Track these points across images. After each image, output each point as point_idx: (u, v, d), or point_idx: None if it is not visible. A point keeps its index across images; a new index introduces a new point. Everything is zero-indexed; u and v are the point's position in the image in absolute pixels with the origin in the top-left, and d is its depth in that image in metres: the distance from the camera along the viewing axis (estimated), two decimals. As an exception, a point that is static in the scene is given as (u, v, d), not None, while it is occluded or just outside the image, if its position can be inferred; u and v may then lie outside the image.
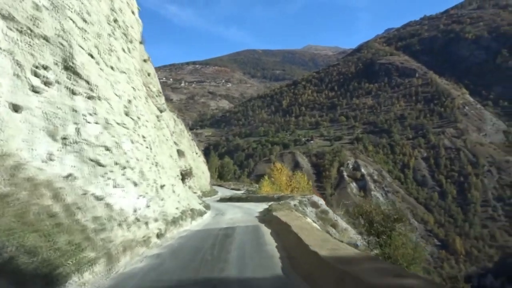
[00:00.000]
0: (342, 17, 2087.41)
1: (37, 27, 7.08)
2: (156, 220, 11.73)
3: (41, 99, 7.00)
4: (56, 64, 7.67)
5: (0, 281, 4.30)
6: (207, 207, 24.52)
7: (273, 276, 6.85)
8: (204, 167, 68.18)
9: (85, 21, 9.42)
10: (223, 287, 6.43)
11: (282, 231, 11.66)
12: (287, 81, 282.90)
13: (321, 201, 27.52)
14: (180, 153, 24.65)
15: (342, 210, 25.98)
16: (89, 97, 8.76)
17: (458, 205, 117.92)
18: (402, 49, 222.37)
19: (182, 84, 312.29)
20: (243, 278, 6.80)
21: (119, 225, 8.53)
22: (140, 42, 18.79)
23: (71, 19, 8.58)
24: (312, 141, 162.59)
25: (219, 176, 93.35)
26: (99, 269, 6.54)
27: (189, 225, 15.92)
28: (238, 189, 65.76)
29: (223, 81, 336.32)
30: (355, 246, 13.57)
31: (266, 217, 17.21)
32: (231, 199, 38.85)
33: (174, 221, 13.65)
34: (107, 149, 9.04)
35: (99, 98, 9.19)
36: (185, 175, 21.89)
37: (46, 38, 7.34)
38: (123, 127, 10.60)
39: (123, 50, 13.11)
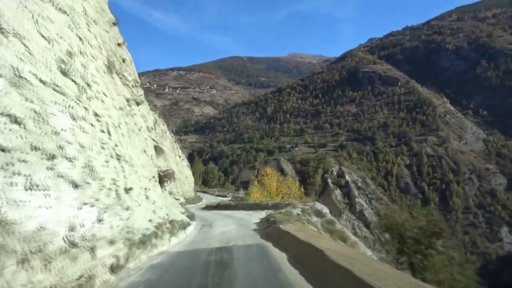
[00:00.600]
0: (326, 26, 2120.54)
1: None
2: (112, 242, 8.02)
3: None
4: None
5: None
6: (192, 217, 20.00)
7: None
8: (188, 171, 65.03)
9: None
10: None
11: (308, 258, 8.15)
12: (272, 88, 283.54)
13: (325, 210, 24.85)
14: (159, 150, 19.52)
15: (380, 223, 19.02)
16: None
17: (441, 212, 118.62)
18: (385, 58, 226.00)
19: (166, 90, 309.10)
20: None
21: (22, 262, 4.91)
22: (114, 23, 16.93)
23: None
24: (296, 148, 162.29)
25: (203, 182, 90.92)
26: None
27: (166, 244, 12.00)
28: (224, 196, 63.05)
29: (208, 87, 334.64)
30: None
31: (270, 231, 14.04)
32: (218, 207, 35.17)
33: (144, 241, 9.95)
34: (16, 121, 5.43)
35: (2, 30, 5.63)
36: (164, 178, 16.97)
37: None
38: (55, 90, 6.88)
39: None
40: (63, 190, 6.42)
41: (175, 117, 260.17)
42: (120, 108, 12.14)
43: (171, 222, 14.08)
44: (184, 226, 15.58)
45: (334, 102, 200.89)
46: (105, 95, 10.09)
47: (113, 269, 7.44)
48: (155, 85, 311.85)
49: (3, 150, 5.07)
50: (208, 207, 36.74)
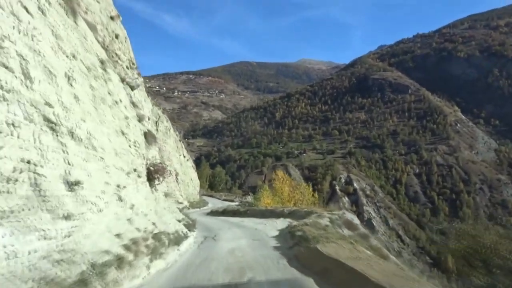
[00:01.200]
0: (336, 33, 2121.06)
1: None
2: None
3: None
4: None
5: None
6: (192, 225, 16.12)
7: None
8: (193, 173, 61.75)
9: None
10: None
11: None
12: (281, 93, 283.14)
13: (356, 220, 21.46)
14: (150, 137, 14.79)
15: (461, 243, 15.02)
16: None
17: (450, 222, 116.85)
18: (395, 66, 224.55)
19: (175, 94, 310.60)
20: None
21: None
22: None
23: None
24: (304, 154, 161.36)
25: (210, 186, 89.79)
26: None
27: (142, 273, 7.73)
28: (232, 200, 59.83)
29: (217, 91, 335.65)
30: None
31: (302, 254, 9.93)
32: (225, 213, 31.21)
33: (96, 275, 6.00)
34: None
35: None
36: (154, 173, 12.92)
37: None
38: None
39: None
40: None
41: (184, 120, 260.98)
42: (87, 67, 8.95)
43: (156, 236, 10.10)
44: (178, 240, 11.72)
45: (343, 109, 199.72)
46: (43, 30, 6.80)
47: None
48: (164, 88, 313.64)
49: None
50: (214, 213, 33.32)
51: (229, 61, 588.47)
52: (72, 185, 6.32)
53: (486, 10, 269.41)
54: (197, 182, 64.57)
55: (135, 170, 10.93)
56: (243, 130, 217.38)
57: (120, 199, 8.93)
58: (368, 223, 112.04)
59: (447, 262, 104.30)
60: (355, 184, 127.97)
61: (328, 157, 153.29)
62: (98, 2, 13.19)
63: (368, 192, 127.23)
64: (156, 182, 13.53)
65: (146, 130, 14.49)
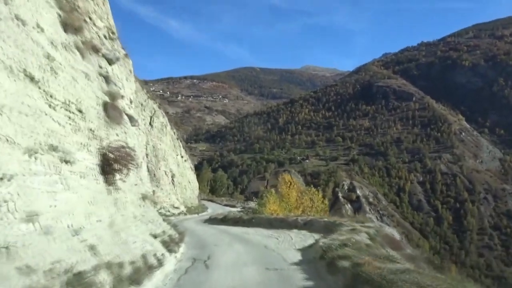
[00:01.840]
0: (340, 40, 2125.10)
1: None
2: None
3: None
4: None
5: None
6: (176, 241, 11.67)
7: None
8: (191, 175, 57.34)
9: None
10: None
11: None
12: (284, 99, 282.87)
13: (396, 234, 17.32)
14: (115, 112, 9.64)
15: None
16: None
17: (454, 232, 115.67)
18: (400, 73, 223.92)
19: (179, 98, 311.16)
20: None
21: None
22: None
23: None
24: (307, 160, 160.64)
25: (211, 190, 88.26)
26: None
27: None
28: (233, 206, 56.69)
29: (220, 96, 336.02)
30: None
31: None
32: (225, 221, 26.40)
33: None
34: None
35: None
36: (115, 163, 8.46)
37: None
38: None
39: None
40: None
41: (187, 124, 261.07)
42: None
43: (86, 276, 5.41)
44: (142, 273, 7.29)
45: (347, 116, 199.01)
46: None
47: None
48: (168, 92, 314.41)
49: None
50: (212, 220, 28.94)
51: (233, 67, 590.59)
52: None
53: (491, 20, 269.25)
54: (195, 185, 59.88)
55: (55, 149, 6.11)
56: (246, 135, 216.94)
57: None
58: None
59: (451, 272, 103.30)
60: (358, 191, 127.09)
61: (331, 164, 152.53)
62: None
63: (371, 200, 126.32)
64: (117, 176, 8.65)
65: (109, 101, 9.42)
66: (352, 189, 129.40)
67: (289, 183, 33.88)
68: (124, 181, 9.16)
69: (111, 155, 8.40)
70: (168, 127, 47.08)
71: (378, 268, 6.43)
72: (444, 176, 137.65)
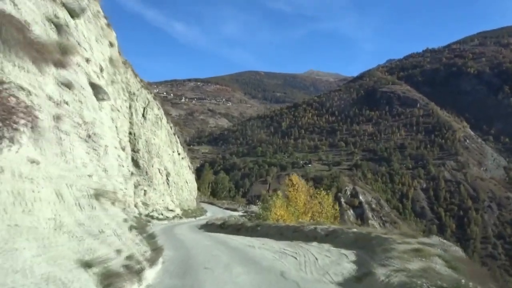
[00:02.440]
0: (344, 46, 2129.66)
1: None
2: None
3: None
4: None
5: None
6: (143, 264, 7.50)
7: None
8: (189, 174, 52.97)
9: None
10: None
11: None
12: (288, 103, 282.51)
13: (459, 251, 12.16)
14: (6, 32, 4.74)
15: None
16: None
17: (457, 240, 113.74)
18: (404, 79, 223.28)
19: (183, 100, 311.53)
20: None
21: None
22: None
23: None
24: (310, 165, 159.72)
25: (212, 193, 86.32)
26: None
27: None
28: (235, 209, 54.14)
29: (224, 99, 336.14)
30: None
31: None
32: (224, 227, 22.90)
33: None
34: None
35: None
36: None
37: None
38: None
39: None
40: None
41: (190, 127, 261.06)
42: None
43: None
44: None
45: (350, 121, 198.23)
46: None
47: None
48: (172, 94, 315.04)
49: None
50: (209, 227, 25.09)
51: (237, 70, 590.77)
52: None
53: (497, 27, 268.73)
54: (194, 185, 55.30)
55: None
56: (248, 138, 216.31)
57: None
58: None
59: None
60: (360, 197, 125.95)
61: (334, 169, 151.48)
62: None
63: (374, 206, 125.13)
64: None
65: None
66: (354, 194, 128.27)
67: (297, 185, 29.90)
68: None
69: None
70: (164, 120, 42.57)
71: None
72: (448, 183, 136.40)
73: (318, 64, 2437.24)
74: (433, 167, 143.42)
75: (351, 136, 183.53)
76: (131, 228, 9.06)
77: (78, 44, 8.73)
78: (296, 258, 10.32)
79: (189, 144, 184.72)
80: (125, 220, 8.97)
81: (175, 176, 43.04)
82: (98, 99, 9.49)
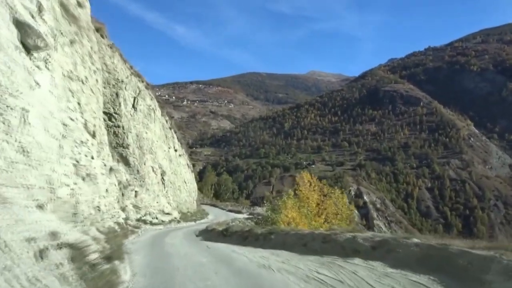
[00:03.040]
0: (346, 46, 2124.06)
1: None
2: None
3: None
4: None
5: None
6: None
7: None
8: (188, 174, 48.74)
9: None
10: None
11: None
12: (290, 104, 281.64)
13: None
14: None
15: None
16: None
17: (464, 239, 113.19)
18: (407, 78, 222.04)
19: (184, 103, 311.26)
20: None
21: None
22: None
23: None
24: (313, 165, 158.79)
25: (215, 194, 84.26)
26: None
27: None
28: (239, 212, 50.69)
29: (226, 101, 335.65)
30: None
31: None
32: (227, 235, 18.34)
33: None
34: None
35: None
36: None
37: None
38: None
39: None
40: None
41: (192, 129, 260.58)
42: None
43: None
44: None
45: (353, 120, 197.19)
46: None
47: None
48: (173, 97, 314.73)
49: None
50: (209, 233, 20.60)
51: (238, 72, 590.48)
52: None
53: (499, 24, 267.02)
54: (193, 186, 51.46)
55: None
56: (251, 140, 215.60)
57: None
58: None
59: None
60: (365, 197, 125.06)
61: (338, 169, 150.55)
62: None
63: (378, 206, 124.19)
64: None
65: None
66: (359, 194, 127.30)
67: (309, 184, 26.21)
68: None
69: None
70: (158, 112, 38.03)
71: None
72: (453, 182, 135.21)
73: (320, 65, 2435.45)
74: (438, 166, 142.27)
75: (354, 136, 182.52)
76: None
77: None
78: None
79: (192, 147, 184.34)
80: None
81: (171, 175, 38.76)
82: (27, 45, 6.77)
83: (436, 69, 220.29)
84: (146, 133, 32.14)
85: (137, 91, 31.40)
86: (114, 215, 16.02)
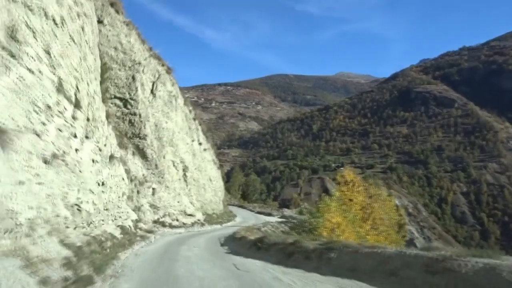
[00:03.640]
0: (375, 47, 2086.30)
1: None
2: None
3: None
4: None
5: None
6: None
7: None
8: (213, 170, 42.96)
9: None
10: None
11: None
12: (318, 106, 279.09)
13: None
14: None
15: None
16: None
17: (502, 248, 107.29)
18: (440, 79, 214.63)
19: (213, 104, 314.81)
20: None
21: None
22: None
23: None
24: (342, 168, 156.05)
25: (243, 195, 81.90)
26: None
27: None
28: (269, 214, 47.01)
29: (253, 103, 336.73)
30: None
31: None
32: (262, 247, 13.41)
33: None
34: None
35: None
36: None
37: None
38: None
39: None
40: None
41: (220, 131, 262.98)
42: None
43: None
44: None
45: (383, 122, 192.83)
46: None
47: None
48: (202, 99, 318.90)
49: None
50: (237, 242, 16.33)
51: (266, 73, 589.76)
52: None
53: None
54: (220, 184, 45.70)
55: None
56: (279, 141, 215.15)
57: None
58: (410, 244, 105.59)
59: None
60: (396, 201, 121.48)
61: (367, 172, 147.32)
62: None
63: (410, 210, 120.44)
64: None
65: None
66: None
67: (352, 183, 22.14)
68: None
69: None
70: (181, 100, 33.23)
71: None
72: (491, 187, 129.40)
73: (349, 66, 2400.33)
74: (474, 170, 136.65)
75: (385, 138, 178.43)
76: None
77: None
78: None
79: (220, 148, 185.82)
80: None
81: (194, 171, 33.84)
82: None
83: (471, 70, 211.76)
84: (166, 122, 28.23)
85: (157, 75, 27.54)
86: (118, 217, 13.65)
